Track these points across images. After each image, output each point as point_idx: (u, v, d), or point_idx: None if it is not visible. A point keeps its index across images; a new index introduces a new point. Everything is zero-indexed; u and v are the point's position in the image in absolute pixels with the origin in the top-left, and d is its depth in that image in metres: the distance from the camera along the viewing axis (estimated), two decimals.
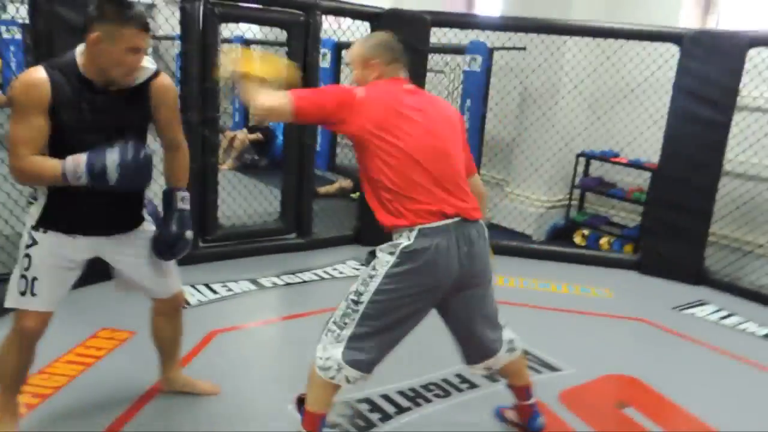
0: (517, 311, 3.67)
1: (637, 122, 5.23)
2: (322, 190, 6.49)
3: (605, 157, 5.38)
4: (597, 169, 5.73)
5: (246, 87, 1.95)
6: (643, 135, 5.15)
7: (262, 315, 3.42)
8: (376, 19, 4.47)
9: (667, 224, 4.45)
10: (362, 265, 2.05)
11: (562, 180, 5.72)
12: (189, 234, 2.13)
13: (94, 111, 1.89)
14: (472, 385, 2.75)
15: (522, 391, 2.36)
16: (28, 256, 1.97)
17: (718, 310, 3.95)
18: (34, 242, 1.97)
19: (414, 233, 1.90)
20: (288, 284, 3.82)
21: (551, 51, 5.10)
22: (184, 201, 2.15)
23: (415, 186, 1.92)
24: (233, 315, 3.32)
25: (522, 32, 5.08)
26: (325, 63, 7.53)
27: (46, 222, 1.97)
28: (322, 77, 7.47)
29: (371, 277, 1.94)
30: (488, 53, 5.51)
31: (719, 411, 2.70)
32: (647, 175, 4.99)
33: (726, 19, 5.20)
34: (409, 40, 4.27)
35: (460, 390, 2.71)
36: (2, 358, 2.07)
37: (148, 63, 1.99)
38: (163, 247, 2.10)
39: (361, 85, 2.07)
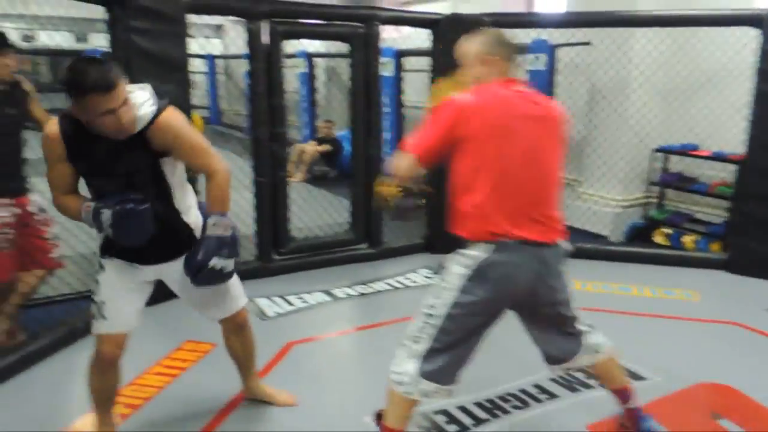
0: (596, 317, 3.51)
1: (717, 112, 4.93)
2: None
3: (684, 151, 5.11)
4: (676, 164, 5.46)
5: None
6: (724, 125, 4.86)
7: (337, 326, 3.45)
8: (436, 25, 4.45)
9: (757, 219, 4.17)
10: (434, 273, 2.03)
11: (638, 177, 5.49)
12: (215, 262, 1.99)
13: (104, 158, 1.94)
14: (552, 396, 2.66)
15: (620, 394, 2.25)
16: (97, 281, 2.11)
17: None
18: (102, 268, 2.10)
19: (492, 247, 1.86)
20: (361, 294, 3.85)
21: (618, 44, 4.91)
22: (215, 227, 2.02)
23: (505, 201, 1.87)
24: (309, 326, 3.38)
25: (585, 27, 4.93)
26: (387, 72, 7.59)
27: (107, 250, 2.09)
28: (384, 86, 7.59)
29: (444, 289, 1.91)
30: (551, 51, 5.38)
31: None
32: (731, 167, 4.70)
33: None
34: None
35: (539, 401, 2.63)
36: (89, 380, 2.19)
37: (146, 107, 1.96)
38: (189, 274, 2.03)
39: (477, 83, 1.98)
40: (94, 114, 1.83)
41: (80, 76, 1.80)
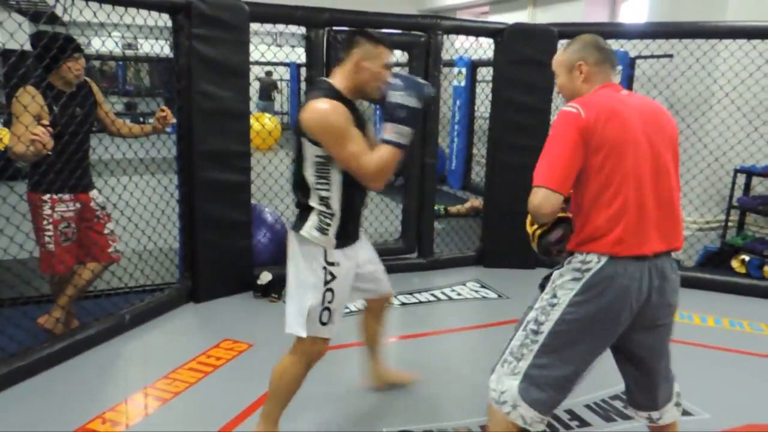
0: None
1: None
2: (453, 209, 6.45)
3: None
4: (759, 186, 5.08)
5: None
6: None
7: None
8: (500, 34, 4.37)
9: None
10: (540, 287, 1.91)
11: (713, 198, 5.15)
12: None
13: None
14: (583, 423, 2.53)
15: None
16: (330, 290, 2.11)
17: None
18: (334, 277, 2.10)
19: (605, 258, 1.73)
20: (403, 304, 3.82)
21: (699, 57, 4.63)
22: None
23: (625, 212, 1.72)
24: (348, 334, 3.37)
25: (668, 38, 4.69)
26: (459, 82, 7.55)
27: (343, 238, 2.12)
28: (456, 95, 7.55)
29: (552, 305, 1.79)
30: (630, 62, 5.16)
31: None
32: None
33: None
34: (534, 54, 4.18)
35: (569, 427, 2.50)
36: (288, 381, 2.21)
37: None
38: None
39: (567, 91, 1.92)
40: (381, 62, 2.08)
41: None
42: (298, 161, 2.08)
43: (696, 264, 5.09)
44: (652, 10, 5.94)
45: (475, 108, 7.53)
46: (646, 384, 1.92)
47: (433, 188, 4.47)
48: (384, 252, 4.35)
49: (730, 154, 4.96)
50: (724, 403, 2.71)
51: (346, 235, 2.13)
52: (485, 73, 7.47)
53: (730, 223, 5.09)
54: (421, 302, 3.87)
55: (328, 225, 2.08)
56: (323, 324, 2.12)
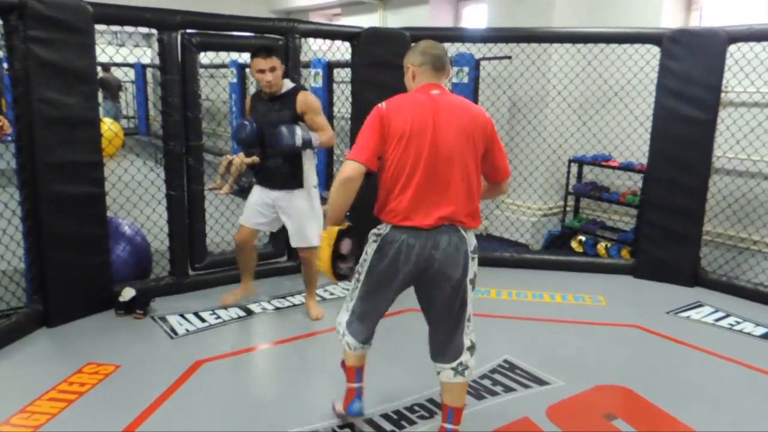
0: (508, 324, 3.65)
1: (625, 125, 5.19)
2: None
3: (597, 162, 5.35)
4: (590, 174, 5.70)
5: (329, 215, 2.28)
6: (631, 138, 5.11)
7: (249, 342, 3.41)
8: (356, 38, 4.48)
9: (660, 226, 4.40)
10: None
11: (554, 186, 5.70)
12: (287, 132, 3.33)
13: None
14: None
15: (445, 411, 2.32)
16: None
17: (714, 312, 3.89)
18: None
19: (390, 226, 2.18)
20: (277, 309, 3.81)
21: (535, 59, 5.10)
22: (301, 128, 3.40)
23: (401, 191, 2.14)
24: (220, 343, 3.30)
25: (505, 42, 5.10)
26: (316, 83, 7.60)
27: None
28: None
29: (364, 260, 2.25)
30: (475, 64, 5.53)
31: (714, 419, 2.65)
32: (639, 177, 4.95)
33: (709, 16, 5.17)
34: (389, 57, 4.34)
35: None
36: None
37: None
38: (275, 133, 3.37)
39: (406, 89, 2.29)
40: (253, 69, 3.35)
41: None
42: None
43: (542, 247, 5.62)
44: (491, 15, 6.41)
45: (334, 108, 7.63)
46: (432, 336, 2.31)
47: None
48: None
49: (564, 146, 5.51)
50: (575, 370, 3.04)
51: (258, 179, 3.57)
52: (344, 75, 7.62)
53: (567, 208, 5.67)
54: (295, 305, 3.88)
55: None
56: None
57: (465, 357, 2.27)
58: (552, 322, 3.70)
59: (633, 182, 5.23)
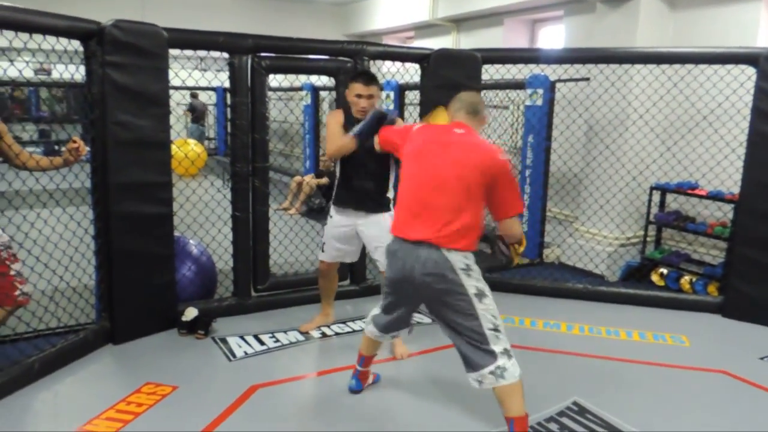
0: (579, 362, 3.40)
1: (713, 151, 4.81)
2: None
3: (682, 190, 4.98)
4: (674, 203, 5.33)
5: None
6: (721, 165, 4.74)
7: (306, 368, 3.34)
8: (425, 60, 4.41)
9: (753, 261, 4.02)
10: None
11: (634, 215, 5.36)
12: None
13: None
14: None
15: (508, 424, 2.41)
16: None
17: None
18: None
19: (392, 236, 2.58)
20: (337, 334, 3.74)
21: (614, 81, 4.84)
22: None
23: (401, 206, 2.56)
24: (277, 368, 3.25)
25: (583, 63, 4.88)
26: (387, 105, 7.59)
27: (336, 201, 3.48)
28: None
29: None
30: (550, 86, 5.32)
31: None
32: (730, 207, 4.57)
33: None
34: (459, 79, 4.23)
35: None
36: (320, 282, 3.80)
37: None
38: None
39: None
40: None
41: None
42: None
43: (619, 279, 5.29)
44: (569, 35, 6.19)
45: None
46: (459, 350, 2.48)
47: None
48: (315, 281, 4.26)
49: (645, 173, 5.19)
50: (652, 418, 2.78)
51: (339, 200, 3.40)
52: (412, 97, 7.58)
53: (648, 239, 5.31)
54: (355, 331, 3.79)
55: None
56: (322, 251, 3.55)
57: (502, 361, 2.37)
58: (628, 362, 3.42)
59: (722, 213, 4.83)
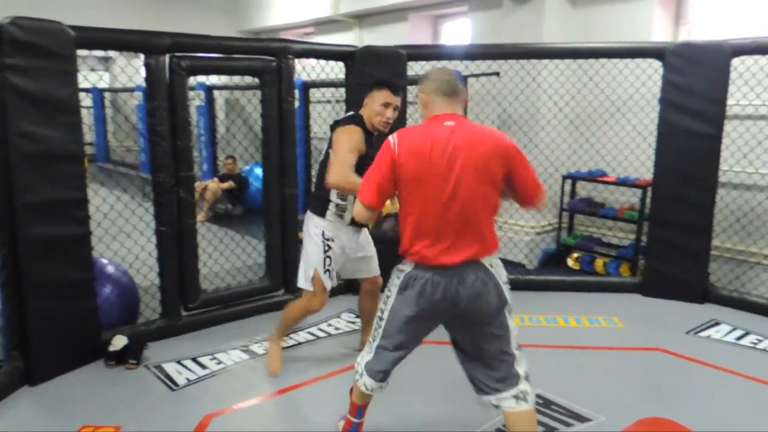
0: (531, 354, 3.43)
1: (623, 140, 5.12)
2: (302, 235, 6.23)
3: (592, 177, 5.27)
4: (582, 190, 5.62)
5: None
6: (632, 152, 5.05)
7: (258, 390, 3.09)
8: (350, 57, 4.29)
9: (667, 243, 4.32)
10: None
11: (549, 203, 5.59)
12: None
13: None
14: None
15: None
16: (328, 257, 3.02)
17: (732, 330, 3.81)
18: (330, 248, 3.03)
19: (413, 265, 2.12)
20: (281, 348, 3.53)
21: (524, 75, 5.00)
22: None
23: (420, 233, 2.08)
24: (227, 393, 3.01)
25: (492, 59, 5.00)
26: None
27: (338, 221, 3.03)
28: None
29: (387, 297, 2.21)
30: (462, 81, 5.40)
31: None
32: (638, 192, 4.88)
33: (697, 31, 5.17)
34: (385, 76, 4.15)
35: None
36: (291, 316, 3.22)
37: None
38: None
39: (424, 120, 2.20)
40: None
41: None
42: (324, 165, 2.90)
43: (537, 265, 5.49)
44: (475, 31, 6.31)
45: (311, 129, 7.41)
46: (476, 368, 2.19)
47: (294, 220, 4.23)
48: (249, 293, 4.06)
49: (556, 163, 5.42)
50: (612, 403, 2.88)
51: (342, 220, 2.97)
52: (319, 96, 7.42)
53: (562, 225, 5.56)
54: (300, 343, 3.61)
55: (343, 212, 2.93)
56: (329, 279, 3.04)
57: (524, 385, 2.15)
58: (573, 348, 3.54)
59: (627, 198, 5.16)
